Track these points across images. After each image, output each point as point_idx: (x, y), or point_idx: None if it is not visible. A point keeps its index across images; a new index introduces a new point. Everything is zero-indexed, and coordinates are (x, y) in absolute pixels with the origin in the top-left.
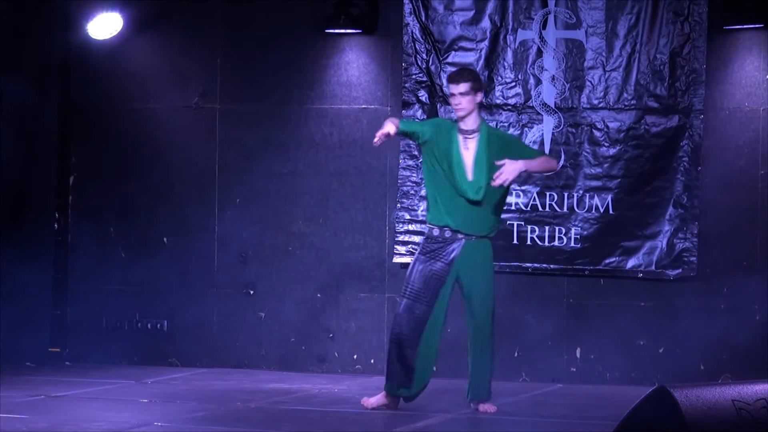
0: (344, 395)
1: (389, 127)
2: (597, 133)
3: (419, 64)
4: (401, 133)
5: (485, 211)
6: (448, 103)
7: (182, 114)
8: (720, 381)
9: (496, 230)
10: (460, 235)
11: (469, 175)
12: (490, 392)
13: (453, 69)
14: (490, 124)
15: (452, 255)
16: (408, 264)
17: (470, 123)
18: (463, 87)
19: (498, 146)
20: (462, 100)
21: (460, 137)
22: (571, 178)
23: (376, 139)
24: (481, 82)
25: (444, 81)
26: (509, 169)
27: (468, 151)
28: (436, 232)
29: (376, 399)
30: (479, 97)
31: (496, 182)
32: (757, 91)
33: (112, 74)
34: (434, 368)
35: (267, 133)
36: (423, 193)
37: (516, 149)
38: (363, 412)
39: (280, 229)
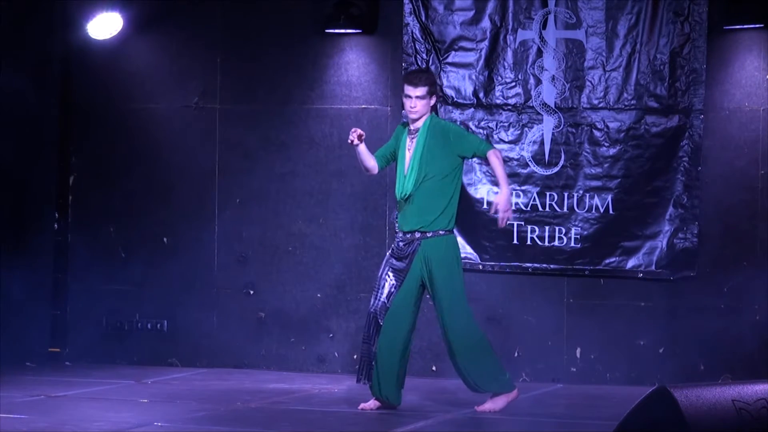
0: (344, 395)
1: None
2: (597, 133)
3: (419, 64)
4: (385, 167)
5: (422, 206)
6: (448, 103)
7: (182, 114)
8: (720, 381)
9: (445, 225)
10: (417, 234)
11: (405, 174)
12: (494, 388)
13: (453, 69)
14: (490, 124)
15: (411, 255)
16: None
17: (419, 123)
18: (421, 90)
19: (438, 137)
20: (418, 103)
21: (408, 138)
22: (571, 178)
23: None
24: (436, 85)
25: (444, 81)
26: (502, 207)
27: (410, 150)
28: (398, 232)
29: (369, 403)
30: (434, 100)
31: (501, 224)
32: (757, 91)
33: (112, 74)
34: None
35: (267, 133)
36: None
37: (457, 141)
38: (363, 412)
39: (280, 229)
